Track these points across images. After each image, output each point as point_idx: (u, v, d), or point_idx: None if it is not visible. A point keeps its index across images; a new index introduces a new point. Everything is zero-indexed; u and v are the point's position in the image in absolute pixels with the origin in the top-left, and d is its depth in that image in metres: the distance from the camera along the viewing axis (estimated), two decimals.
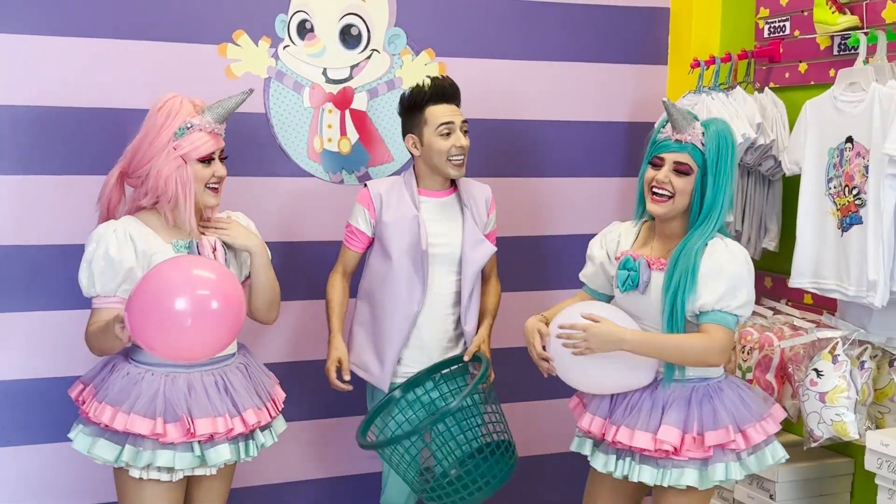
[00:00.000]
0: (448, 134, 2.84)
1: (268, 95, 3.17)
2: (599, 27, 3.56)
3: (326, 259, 3.27)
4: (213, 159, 2.53)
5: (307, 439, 3.35)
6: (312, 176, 3.26)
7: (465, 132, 2.88)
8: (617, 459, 2.50)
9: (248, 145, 3.16)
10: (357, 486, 3.42)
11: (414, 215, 2.85)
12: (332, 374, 2.89)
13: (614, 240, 2.66)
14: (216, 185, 2.55)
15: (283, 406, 2.67)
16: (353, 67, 3.26)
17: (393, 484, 2.96)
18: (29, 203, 2.93)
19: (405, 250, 2.85)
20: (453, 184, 2.95)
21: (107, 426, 2.42)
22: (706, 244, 2.43)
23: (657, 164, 2.47)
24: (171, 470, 2.44)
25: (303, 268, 3.28)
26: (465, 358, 2.89)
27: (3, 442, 2.97)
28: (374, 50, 3.28)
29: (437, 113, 2.84)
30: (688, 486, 2.43)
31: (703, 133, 2.43)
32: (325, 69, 3.23)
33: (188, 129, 2.47)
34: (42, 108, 2.92)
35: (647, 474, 2.44)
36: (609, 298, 2.66)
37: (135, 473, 2.43)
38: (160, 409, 2.42)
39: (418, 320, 2.88)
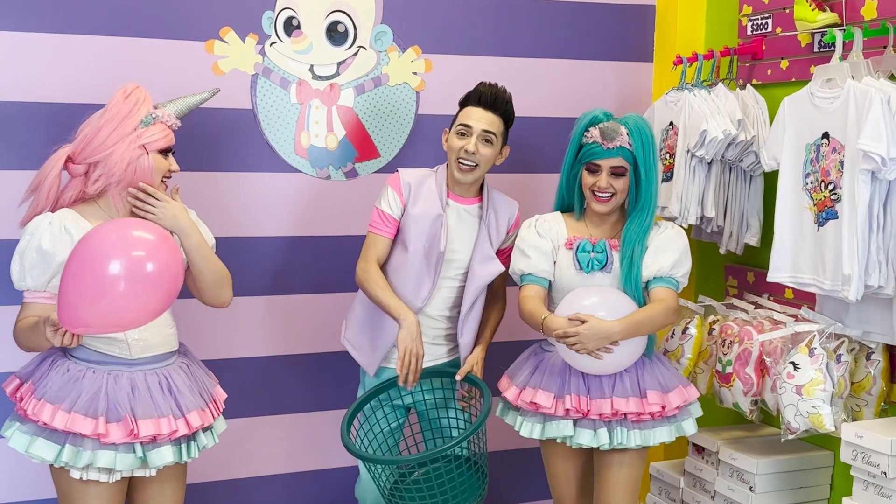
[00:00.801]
0: (463, 135, 2.86)
1: (255, 92, 3.21)
2: (585, 24, 3.59)
3: (314, 253, 3.32)
4: (170, 153, 2.55)
5: (286, 433, 3.37)
6: (300, 172, 3.29)
7: (487, 141, 2.85)
8: (608, 431, 2.72)
9: (235, 141, 3.20)
10: (334, 479, 3.44)
11: (438, 214, 2.87)
12: (420, 362, 2.83)
13: (550, 229, 2.86)
14: (168, 178, 2.56)
15: (223, 407, 2.65)
16: (339, 64, 3.29)
17: (368, 477, 2.99)
18: (13, 198, 2.92)
19: (423, 246, 2.87)
20: (481, 193, 2.96)
21: (45, 424, 2.35)
22: (652, 224, 2.80)
23: (594, 171, 2.78)
24: (110, 471, 2.39)
25: (290, 264, 3.31)
26: (457, 377, 2.90)
27: None
28: (360, 47, 3.31)
29: (466, 114, 2.88)
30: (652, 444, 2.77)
31: (628, 134, 2.74)
32: (311, 66, 3.27)
33: (153, 119, 2.49)
34: (27, 104, 2.95)
35: (637, 438, 2.74)
36: (548, 283, 2.85)
37: (75, 474, 2.37)
38: (102, 409, 2.37)
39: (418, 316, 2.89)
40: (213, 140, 3.18)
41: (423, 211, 2.88)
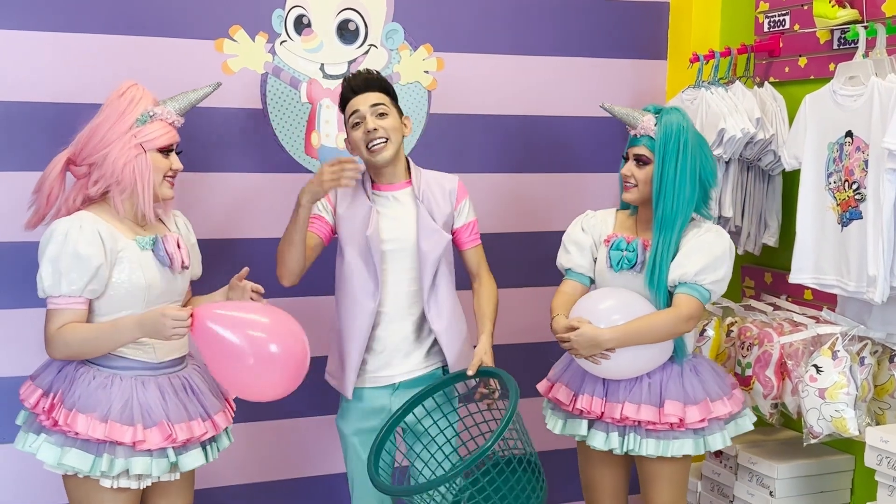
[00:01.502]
0: (357, 124, 2.71)
1: (265, 91, 3.16)
2: (599, 22, 3.54)
3: (324, 255, 3.27)
4: (172, 151, 2.48)
5: (268, 440, 3.31)
6: (310, 172, 3.24)
7: (381, 114, 2.69)
8: (619, 436, 2.64)
9: (245, 141, 3.15)
10: (318, 487, 3.39)
11: (368, 206, 2.74)
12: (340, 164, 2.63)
13: (595, 225, 2.80)
14: (172, 178, 2.48)
15: (234, 406, 2.63)
16: (350, 63, 3.24)
17: (360, 492, 2.85)
18: (21, 200, 2.88)
19: (357, 244, 2.74)
20: (409, 176, 2.80)
21: (77, 434, 2.30)
22: (690, 225, 2.65)
23: (626, 158, 2.72)
24: (141, 477, 2.36)
25: None
26: (469, 372, 2.70)
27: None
28: (371, 45, 3.26)
29: (349, 107, 2.73)
30: (683, 455, 2.64)
31: (655, 123, 2.65)
32: (322, 64, 3.22)
33: (150, 116, 2.42)
34: (37, 104, 2.90)
35: (651, 447, 2.62)
36: (590, 280, 2.79)
37: (106, 483, 2.33)
38: (137, 416, 2.34)
39: (380, 324, 2.74)
40: (223, 140, 3.13)
41: (352, 208, 2.76)
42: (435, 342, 2.80)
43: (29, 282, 2.90)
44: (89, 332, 2.34)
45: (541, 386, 2.85)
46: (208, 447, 2.49)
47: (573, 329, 2.57)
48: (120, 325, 2.33)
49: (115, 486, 2.34)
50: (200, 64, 3.05)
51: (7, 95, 2.89)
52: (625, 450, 2.65)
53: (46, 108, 2.91)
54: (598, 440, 2.67)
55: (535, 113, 3.50)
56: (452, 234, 2.84)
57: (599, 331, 2.55)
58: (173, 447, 2.38)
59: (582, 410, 2.69)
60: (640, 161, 2.66)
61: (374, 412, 2.79)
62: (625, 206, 2.81)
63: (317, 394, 3.26)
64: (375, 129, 2.68)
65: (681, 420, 2.60)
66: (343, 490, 3.20)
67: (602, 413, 2.66)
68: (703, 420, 2.62)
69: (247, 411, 3.15)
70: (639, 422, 2.62)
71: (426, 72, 3.34)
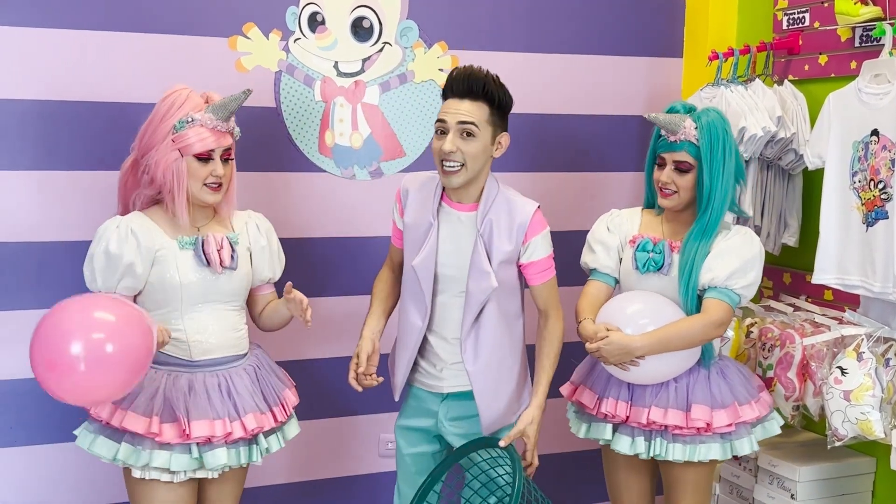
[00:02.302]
0: (441, 133, 2.51)
1: (278, 89, 3.12)
2: (614, 19, 3.50)
3: (339, 255, 3.24)
4: (212, 158, 2.46)
5: (313, 439, 3.29)
6: (324, 171, 3.20)
7: (467, 134, 2.46)
8: (645, 440, 2.59)
9: (258, 140, 3.11)
10: (365, 486, 3.38)
11: (429, 223, 2.57)
12: (351, 372, 2.62)
13: (620, 225, 2.75)
14: (215, 184, 2.48)
15: (292, 411, 2.62)
16: (364, 61, 3.20)
17: (406, 496, 2.83)
18: (39, 199, 2.87)
19: (409, 267, 2.62)
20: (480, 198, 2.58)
21: (107, 423, 2.41)
22: (720, 227, 2.59)
23: (661, 164, 2.62)
24: (169, 471, 2.40)
25: (314, 264, 3.23)
26: (501, 444, 2.54)
27: (9, 442, 2.92)
28: (385, 43, 3.22)
29: (443, 108, 2.52)
30: (709, 460, 2.60)
31: (696, 128, 2.55)
32: (336, 62, 3.18)
33: (188, 122, 2.43)
34: (51, 103, 2.87)
35: (678, 452, 2.58)
36: (615, 281, 2.74)
37: (136, 473, 2.40)
38: (158, 408, 2.39)
39: (430, 340, 2.64)
40: (237, 139, 3.08)
41: (415, 220, 2.60)
42: None
43: (37, 283, 2.89)
44: None
45: (564, 389, 2.81)
46: (242, 448, 2.48)
47: (602, 336, 2.51)
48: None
49: (146, 478, 2.40)
50: (214, 61, 3.01)
51: (20, 94, 2.85)
52: (651, 454, 2.61)
53: (58, 107, 2.88)
54: (624, 444, 2.63)
55: (551, 111, 3.47)
56: (519, 267, 2.62)
57: (630, 338, 2.49)
58: (197, 444, 2.40)
59: (606, 414, 2.65)
60: (681, 169, 2.57)
61: (423, 412, 2.72)
62: (650, 205, 2.76)
63: (365, 393, 3.24)
64: (452, 152, 2.46)
65: (708, 425, 2.57)
66: (389, 488, 3.17)
67: (627, 417, 2.62)
68: (730, 425, 2.59)
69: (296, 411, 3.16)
70: (665, 426, 2.58)
71: (441, 70, 3.30)
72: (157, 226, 2.48)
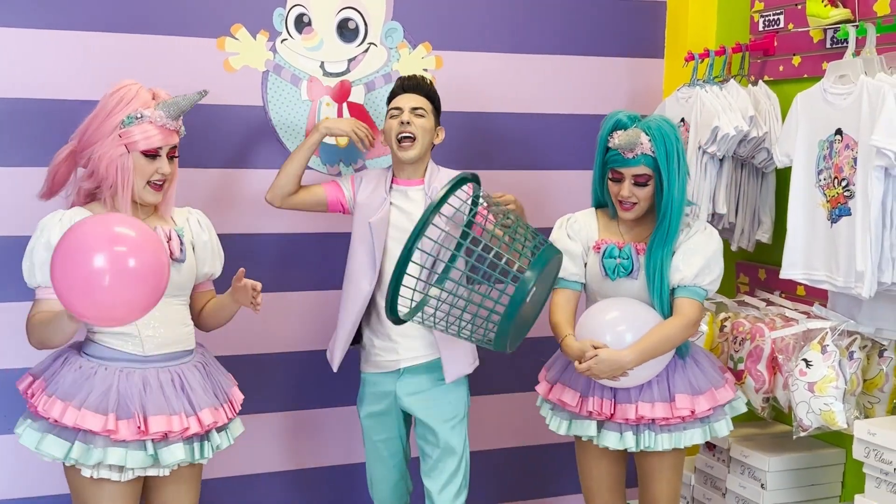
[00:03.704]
0: (395, 116, 2.91)
1: (266, 88, 3.20)
2: (596, 20, 3.58)
3: (323, 251, 3.32)
4: (159, 155, 2.46)
5: (280, 430, 3.36)
6: (310, 168, 3.27)
7: (419, 115, 2.90)
8: (633, 434, 2.66)
9: (246, 138, 3.20)
10: (328, 477, 3.44)
11: (383, 198, 2.91)
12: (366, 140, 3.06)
13: (580, 231, 2.79)
14: (159, 182, 2.48)
15: (240, 408, 2.63)
16: (350, 61, 3.29)
17: (379, 479, 3.02)
18: (22, 195, 2.89)
19: (363, 230, 2.89)
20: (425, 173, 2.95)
21: (56, 421, 2.34)
22: (680, 227, 2.67)
23: (617, 179, 2.68)
24: (122, 469, 2.36)
25: (300, 260, 3.31)
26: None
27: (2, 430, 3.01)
28: (371, 43, 3.31)
29: (393, 102, 2.95)
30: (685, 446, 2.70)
31: (650, 140, 2.62)
32: (322, 62, 3.26)
33: (137, 118, 2.42)
34: (37, 101, 2.95)
35: (665, 441, 2.67)
36: (581, 286, 2.79)
37: (86, 473, 2.35)
38: (112, 405, 2.35)
39: (378, 303, 2.87)
40: (224, 137, 3.18)
41: (368, 199, 2.94)
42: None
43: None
44: (43, 317, 2.37)
45: (540, 388, 2.86)
46: (196, 445, 2.46)
47: (591, 356, 2.55)
48: (59, 313, 2.29)
49: (94, 477, 2.36)
50: (202, 62, 3.10)
51: (10, 92, 2.93)
52: (640, 447, 2.67)
53: (48, 105, 2.96)
54: (612, 440, 2.68)
55: (533, 111, 3.54)
56: None
57: (619, 354, 2.55)
58: (152, 440, 2.37)
59: (592, 412, 2.69)
60: (640, 182, 2.65)
61: (382, 396, 2.95)
62: (600, 203, 2.82)
63: (337, 385, 3.33)
64: (409, 123, 2.87)
65: (692, 412, 2.66)
66: (358, 479, 3.25)
67: (612, 414, 2.67)
68: (710, 409, 2.68)
69: (267, 403, 3.26)
70: (653, 419, 2.65)
71: (425, 70, 3.38)
72: None
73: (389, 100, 2.97)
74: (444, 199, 2.58)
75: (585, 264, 2.78)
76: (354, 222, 2.96)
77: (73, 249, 2.12)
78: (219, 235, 2.73)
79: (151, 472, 2.41)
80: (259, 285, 2.53)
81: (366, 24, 3.29)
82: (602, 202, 2.82)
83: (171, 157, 2.51)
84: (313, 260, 3.31)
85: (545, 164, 3.58)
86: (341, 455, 3.43)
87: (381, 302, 2.85)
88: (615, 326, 2.61)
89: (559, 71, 3.55)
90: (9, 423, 2.98)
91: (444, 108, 3.31)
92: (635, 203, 2.68)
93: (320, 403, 3.38)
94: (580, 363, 2.58)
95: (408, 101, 2.92)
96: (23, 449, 2.77)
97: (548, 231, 3.52)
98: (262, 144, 3.23)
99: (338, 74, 3.28)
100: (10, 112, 2.94)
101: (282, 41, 3.21)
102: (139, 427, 2.35)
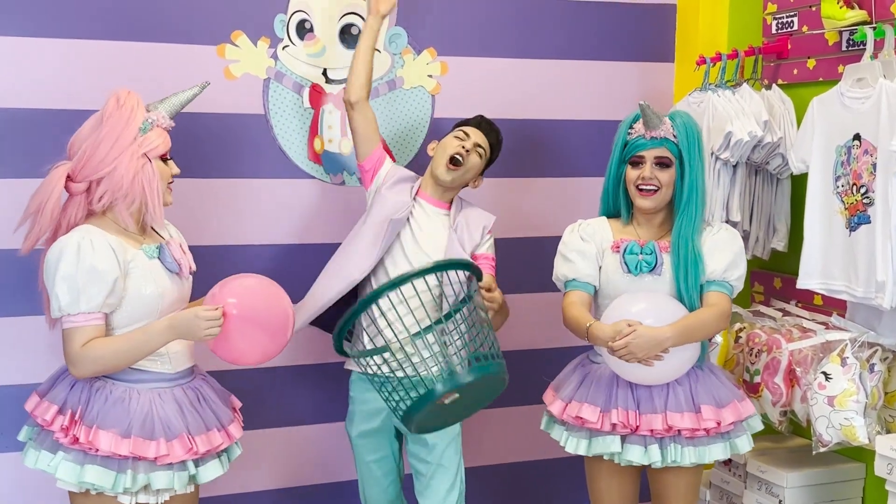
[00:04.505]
0: (460, 139, 2.91)
1: (267, 96, 3.14)
2: (605, 24, 3.51)
3: (327, 262, 3.24)
4: (170, 157, 2.45)
5: (271, 447, 3.28)
6: (313, 178, 3.22)
7: (478, 154, 2.91)
8: (659, 448, 2.56)
9: (247, 147, 3.13)
10: (328, 494, 3.36)
11: (407, 203, 2.89)
12: None
13: (594, 233, 2.73)
14: (171, 184, 2.47)
15: (241, 415, 2.61)
16: None
17: (374, 500, 2.96)
18: (24, 207, 2.89)
19: (378, 224, 2.85)
20: (451, 203, 2.95)
21: (97, 451, 2.27)
22: (703, 226, 2.65)
23: (638, 163, 2.64)
24: (159, 491, 2.33)
25: (304, 271, 3.24)
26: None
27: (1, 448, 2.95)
28: (374, 50, 3.23)
29: (464, 128, 2.96)
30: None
31: (672, 126, 2.62)
32: (325, 69, 3.20)
33: (150, 124, 2.38)
34: (37, 111, 2.89)
35: (690, 455, 2.57)
36: (594, 290, 2.72)
37: (125, 500, 2.30)
38: (159, 430, 2.32)
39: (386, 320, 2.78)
40: (225, 146, 3.11)
41: (393, 193, 2.91)
42: None
43: (26, 289, 2.91)
44: (121, 342, 2.30)
45: (554, 408, 2.72)
46: (221, 458, 2.47)
47: (629, 332, 2.47)
48: (151, 330, 2.31)
49: (134, 503, 2.31)
50: (202, 69, 3.03)
51: (8, 102, 2.88)
52: (666, 462, 2.57)
53: (47, 115, 2.90)
54: (636, 454, 2.57)
55: (541, 117, 3.47)
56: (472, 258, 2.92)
57: (659, 329, 2.47)
58: (193, 460, 2.37)
59: (616, 425, 2.58)
60: (663, 164, 2.62)
61: (373, 413, 2.89)
62: (609, 214, 2.77)
63: (325, 401, 3.26)
64: (468, 153, 2.89)
65: (718, 424, 2.57)
66: (353, 497, 3.18)
67: (637, 426, 2.58)
68: (732, 423, 2.60)
69: (258, 419, 3.17)
70: (679, 431, 2.56)
71: (430, 76, 3.31)
72: (118, 237, 2.35)
73: (461, 124, 2.99)
74: (446, 267, 2.56)
75: (600, 268, 2.70)
76: (371, 210, 2.91)
77: (273, 308, 2.41)
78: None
79: (182, 491, 2.37)
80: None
81: None
82: (611, 211, 2.76)
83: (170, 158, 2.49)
84: (316, 271, 3.22)
85: (553, 171, 3.51)
86: (332, 472, 3.34)
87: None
88: (643, 318, 2.51)
89: (567, 76, 3.48)
90: (6, 441, 2.93)
91: (447, 115, 3.28)
92: (656, 189, 2.62)
93: (304, 421, 3.29)
94: (615, 342, 2.47)
95: (478, 136, 2.94)
96: (13, 470, 2.71)
97: (556, 239, 3.48)
98: (264, 154, 3.16)
99: (341, 81, 3.20)
100: (6, 122, 2.88)
101: (283, 48, 3.14)
102: (190, 448, 2.33)
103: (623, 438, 2.60)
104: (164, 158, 2.43)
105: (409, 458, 2.94)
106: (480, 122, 2.97)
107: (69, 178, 2.37)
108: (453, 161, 2.87)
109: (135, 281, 2.34)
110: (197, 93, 2.48)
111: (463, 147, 2.87)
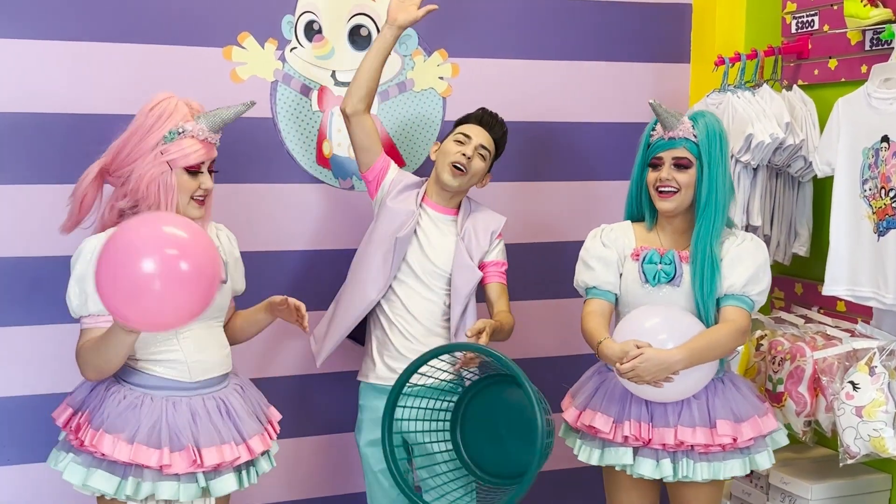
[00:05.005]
0: (461, 143, 2.83)
1: (274, 99, 3.06)
2: (619, 24, 3.44)
3: (338, 267, 3.17)
4: (201, 171, 2.37)
5: (304, 456, 3.22)
6: (322, 182, 3.15)
7: (481, 155, 2.84)
8: (671, 462, 2.49)
9: (254, 151, 3.06)
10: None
11: (412, 212, 2.82)
12: None
13: (616, 239, 2.65)
14: (201, 198, 2.40)
15: (279, 428, 2.56)
16: None
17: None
18: (27, 213, 2.83)
19: (385, 239, 2.79)
20: (458, 208, 2.90)
21: (104, 455, 2.25)
22: (724, 234, 2.55)
23: (657, 165, 2.56)
24: (169, 502, 2.30)
25: (313, 277, 3.17)
26: (468, 334, 2.62)
27: (2, 461, 2.87)
28: (384, 61, 3.15)
29: (466, 128, 2.87)
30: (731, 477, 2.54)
31: (692, 126, 2.52)
32: (333, 71, 3.12)
33: (179, 133, 2.32)
34: (42, 115, 2.82)
35: (704, 471, 2.49)
36: (615, 297, 2.64)
37: None
38: (165, 438, 2.27)
39: (395, 322, 2.81)
40: (231, 150, 3.00)
41: (398, 203, 2.84)
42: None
43: (33, 299, 2.85)
44: (95, 341, 2.27)
45: (568, 416, 2.67)
46: (244, 472, 2.40)
47: (636, 354, 2.38)
48: (108, 332, 2.22)
49: None
50: (209, 72, 2.96)
51: (16, 106, 2.81)
52: (677, 477, 2.50)
53: (55, 119, 2.84)
54: (647, 468, 2.51)
55: (554, 119, 3.40)
56: (480, 266, 2.86)
57: (667, 353, 2.38)
58: (203, 472, 2.30)
59: (627, 437, 2.51)
60: (682, 165, 2.53)
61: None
62: (635, 218, 2.69)
63: (338, 411, 3.18)
64: (469, 159, 2.80)
65: (734, 439, 2.48)
66: None
67: (650, 439, 2.51)
68: (751, 438, 2.51)
69: (294, 427, 3.11)
70: (692, 446, 2.48)
71: (441, 78, 3.24)
72: None
73: (462, 121, 2.90)
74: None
75: (621, 275, 2.62)
76: (377, 224, 2.85)
77: (122, 254, 2.01)
78: None
79: (198, 503, 2.34)
80: (303, 305, 2.51)
81: (378, 30, 3.14)
82: (636, 215, 2.68)
83: (211, 171, 2.43)
84: (331, 277, 3.16)
85: (566, 174, 3.44)
86: (342, 485, 3.28)
87: (391, 317, 2.82)
88: (656, 334, 2.43)
89: (580, 78, 3.41)
90: (8, 452, 2.87)
91: (458, 117, 3.19)
92: (675, 191, 2.53)
93: (345, 428, 3.22)
94: (622, 364, 2.40)
95: (479, 135, 2.85)
96: (23, 481, 2.66)
97: (567, 244, 3.41)
98: (271, 158, 3.09)
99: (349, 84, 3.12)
100: (14, 127, 2.80)
101: (291, 50, 3.07)
102: (194, 460, 2.27)
103: (636, 451, 2.53)
104: (193, 171, 2.35)
105: (417, 470, 2.86)
106: (482, 117, 2.88)
107: (106, 171, 2.39)
108: (455, 167, 2.81)
109: None
110: (242, 111, 2.40)
111: (464, 154, 2.80)
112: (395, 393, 2.59)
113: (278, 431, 2.54)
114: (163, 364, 2.35)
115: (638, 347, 2.39)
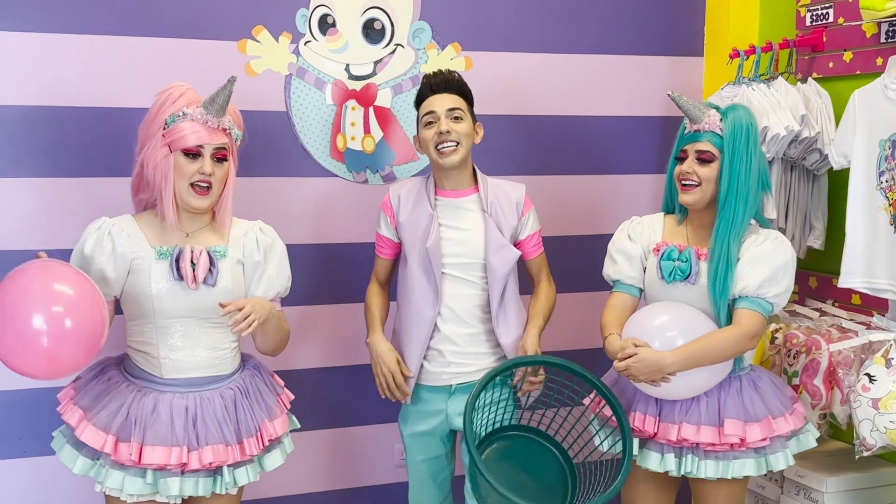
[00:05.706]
0: (431, 123, 2.68)
1: (289, 93, 3.06)
2: (632, 18, 3.43)
3: (351, 261, 3.18)
4: (201, 154, 2.32)
5: (320, 449, 3.23)
6: (336, 176, 3.15)
7: (456, 118, 2.67)
8: (676, 457, 2.48)
9: (268, 145, 3.06)
10: (379, 496, 3.32)
11: (430, 214, 2.70)
12: (386, 391, 2.72)
13: (643, 233, 2.64)
14: (203, 185, 2.33)
15: (267, 443, 2.42)
16: (376, 63, 3.14)
17: (421, 500, 2.85)
18: (47, 206, 2.83)
19: (418, 253, 2.70)
20: (475, 183, 2.76)
21: (72, 429, 2.31)
22: (748, 232, 2.48)
23: (682, 158, 2.53)
24: (123, 492, 2.27)
25: (327, 271, 3.17)
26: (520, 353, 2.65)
27: (19, 453, 2.89)
28: (398, 45, 3.16)
29: (425, 106, 2.71)
30: (743, 476, 2.49)
31: (720, 119, 2.47)
32: (347, 65, 3.12)
33: (179, 117, 2.31)
34: (55, 108, 2.83)
35: (710, 469, 2.46)
36: (640, 291, 2.64)
37: (97, 488, 2.30)
38: (117, 426, 2.26)
39: (442, 329, 2.71)
40: (245, 144, 3.03)
41: (414, 216, 2.72)
42: (494, 351, 2.76)
43: None
44: None
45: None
46: (202, 479, 2.30)
47: (630, 353, 2.39)
48: None
49: (104, 492, 2.31)
50: (223, 65, 2.95)
51: (35, 100, 2.81)
52: (681, 472, 2.49)
53: (72, 113, 2.84)
54: (653, 461, 2.51)
55: (568, 113, 3.39)
56: (516, 245, 2.77)
57: (661, 355, 2.37)
58: (152, 469, 2.26)
59: (634, 429, 2.52)
60: (704, 159, 2.48)
61: (430, 414, 2.77)
62: (669, 209, 2.66)
63: (379, 401, 3.18)
64: (448, 132, 2.65)
65: (742, 440, 2.44)
66: (403, 498, 3.11)
67: (656, 433, 2.50)
68: (764, 439, 2.46)
69: (309, 420, 3.09)
70: (697, 443, 2.46)
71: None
72: (142, 232, 2.35)
73: (418, 102, 2.73)
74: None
75: (645, 269, 2.61)
76: (405, 242, 2.74)
77: (12, 305, 2.02)
78: None
79: (160, 500, 2.30)
80: (241, 303, 2.34)
81: (392, 24, 3.15)
82: (671, 207, 2.65)
83: (219, 160, 2.37)
84: (346, 271, 3.17)
85: (580, 168, 3.43)
86: (380, 475, 3.29)
87: (442, 326, 2.72)
88: (665, 332, 2.42)
89: (594, 71, 3.40)
90: (24, 445, 2.87)
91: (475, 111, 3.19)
92: (696, 184, 2.47)
93: (360, 421, 3.24)
94: (617, 362, 2.42)
95: (441, 102, 2.67)
96: (38, 472, 2.66)
97: (586, 237, 3.40)
98: (285, 151, 3.09)
99: (364, 77, 3.13)
100: (26, 120, 2.81)
101: (305, 43, 3.07)
102: (130, 455, 2.24)
103: (643, 443, 2.54)
104: (191, 154, 2.32)
105: (462, 458, 2.84)
106: (432, 85, 2.70)
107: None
108: (441, 150, 2.66)
109: (135, 278, 2.33)
110: (229, 87, 2.35)
111: (440, 133, 2.65)
112: (483, 385, 2.53)
113: (265, 446, 2.41)
114: (140, 354, 2.37)
115: (636, 346, 2.40)
